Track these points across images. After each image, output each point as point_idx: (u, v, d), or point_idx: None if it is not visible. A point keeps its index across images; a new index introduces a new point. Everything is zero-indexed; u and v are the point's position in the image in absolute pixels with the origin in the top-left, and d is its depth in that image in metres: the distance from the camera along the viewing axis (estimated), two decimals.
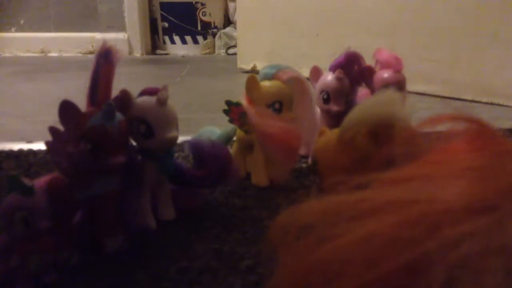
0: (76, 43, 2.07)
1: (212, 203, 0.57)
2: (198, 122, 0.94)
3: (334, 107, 0.64)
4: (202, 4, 2.17)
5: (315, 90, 0.66)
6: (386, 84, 0.65)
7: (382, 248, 0.23)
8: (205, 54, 2.16)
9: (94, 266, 0.43)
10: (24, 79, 1.53)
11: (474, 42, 1.14)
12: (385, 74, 0.68)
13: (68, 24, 2.09)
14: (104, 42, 0.47)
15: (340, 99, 0.64)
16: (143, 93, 0.48)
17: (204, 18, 2.19)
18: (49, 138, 0.42)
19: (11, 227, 0.39)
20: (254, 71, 1.48)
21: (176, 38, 2.20)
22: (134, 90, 0.48)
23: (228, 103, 0.60)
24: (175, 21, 2.17)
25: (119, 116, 0.43)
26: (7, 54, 2.07)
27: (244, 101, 0.60)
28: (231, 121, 0.61)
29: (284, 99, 0.60)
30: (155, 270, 0.43)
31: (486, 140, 0.27)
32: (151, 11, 2.16)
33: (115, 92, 0.46)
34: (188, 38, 2.20)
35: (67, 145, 0.41)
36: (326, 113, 0.65)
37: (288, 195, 0.59)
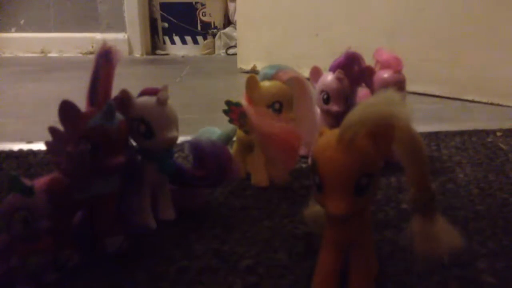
0: (76, 43, 2.07)
1: (212, 203, 0.57)
2: (198, 122, 0.94)
3: (334, 107, 0.64)
4: (202, 4, 2.17)
5: (315, 90, 0.66)
6: (386, 84, 0.65)
7: None
8: (205, 54, 2.16)
9: (94, 266, 0.43)
10: (24, 79, 1.53)
11: (474, 42, 1.14)
12: (385, 74, 0.68)
13: (68, 24, 2.09)
14: (104, 42, 0.47)
15: (340, 99, 0.64)
16: (143, 93, 0.48)
17: (204, 18, 2.19)
18: (49, 138, 0.42)
19: (11, 227, 0.39)
20: (254, 71, 1.48)
21: (176, 38, 2.20)
22: (134, 90, 0.48)
23: (228, 103, 0.60)
24: (175, 21, 2.17)
25: (119, 116, 0.43)
26: (7, 54, 2.07)
27: (244, 101, 0.60)
28: (231, 121, 0.61)
29: (284, 99, 0.60)
30: (155, 270, 0.43)
31: None
32: (151, 11, 2.16)
33: (115, 92, 0.46)
34: (188, 38, 2.20)
35: (67, 145, 0.41)
36: (326, 113, 0.65)
37: (288, 195, 0.59)
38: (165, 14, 2.17)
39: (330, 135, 0.35)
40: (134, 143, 0.49)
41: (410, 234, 0.37)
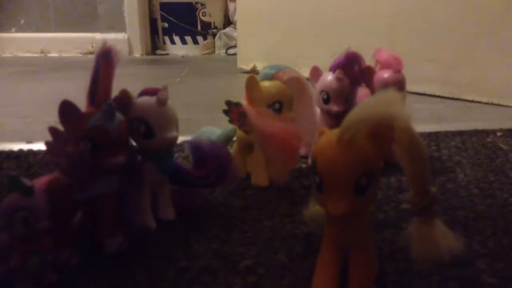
0: (76, 43, 2.07)
1: (212, 203, 0.57)
2: (198, 122, 0.94)
3: (334, 107, 0.64)
4: (202, 4, 2.17)
5: (315, 90, 0.66)
6: (386, 84, 0.65)
7: None
8: (205, 54, 2.16)
9: (94, 267, 0.43)
10: (24, 79, 1.53)
11: (474, 42, 1.14)
12: (385, 74, 0.68)
13: (68, 24, 2.09)
14: (104, 42, 0.47)
15: (340, 99, 0.64)
16: (143, 93, 0.48)
17: (204, 18, 2.19)
18: (49, 138, 0.42)
19: (11, 227, 0.39)
20: (254, 71, 1.48)
21: (176, 38, 2.20)
22: (134, 90, 0.48)
23: (228, 103, 0.60)
24: (175, 21, 2.17)
25: (119, 116, 0.43)
26: (7, 54, 2.07)
27: (244, 101, 0.60)
28: (231, 121, 0.61)
29: (284, 99, 0.60)
30: (155, 270, 0.43)
31: None
32: (151, 11, 2.17)
33: (115, 92, 0.46)
34: (188, 38, 2.20)
35: (67, 145, 0.41)
36: (326, 113, 0.65)
37: (288, 195, 0.59)
38: (165, 14, 2.17)
39: (330, 135, 0.35)
40: (134, 143, 0.49)
41: (408, 237, 0.37)
